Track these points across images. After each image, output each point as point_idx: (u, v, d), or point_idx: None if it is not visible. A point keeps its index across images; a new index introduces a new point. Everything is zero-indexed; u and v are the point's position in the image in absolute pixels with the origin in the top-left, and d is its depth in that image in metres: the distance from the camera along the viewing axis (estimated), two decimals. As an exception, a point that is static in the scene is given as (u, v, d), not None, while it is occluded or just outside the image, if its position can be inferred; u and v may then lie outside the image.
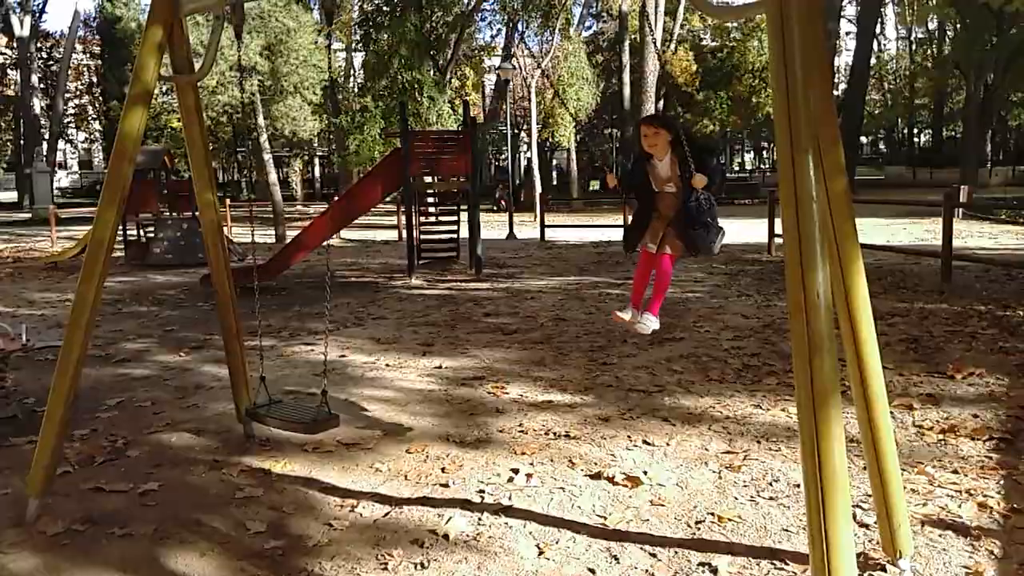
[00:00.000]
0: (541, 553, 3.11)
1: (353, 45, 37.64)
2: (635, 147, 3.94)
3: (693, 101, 41.82)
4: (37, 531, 3.37)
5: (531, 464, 4.04)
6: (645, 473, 3.87)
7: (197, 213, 11.01)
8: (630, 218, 4.25)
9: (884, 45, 54.74)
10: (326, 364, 4.45)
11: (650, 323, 3.87)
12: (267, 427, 4.18)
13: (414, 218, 12.41)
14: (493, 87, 42.90)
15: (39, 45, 39.48)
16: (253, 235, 5.12)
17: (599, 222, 20.97)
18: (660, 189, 3.93)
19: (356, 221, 12.52)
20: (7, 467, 4.15)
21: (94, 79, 47.57)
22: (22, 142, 38.17)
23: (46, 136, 35.67)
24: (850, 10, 43.73)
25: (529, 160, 32.79)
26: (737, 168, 63.66)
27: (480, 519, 3.42)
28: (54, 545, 3.25)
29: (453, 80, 32.37)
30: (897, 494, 2.79)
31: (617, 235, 17.47)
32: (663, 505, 3.52)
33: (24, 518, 3.45)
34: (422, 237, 13.04)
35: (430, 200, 13.69)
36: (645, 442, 4.34)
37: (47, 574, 3.02)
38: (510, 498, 3.62)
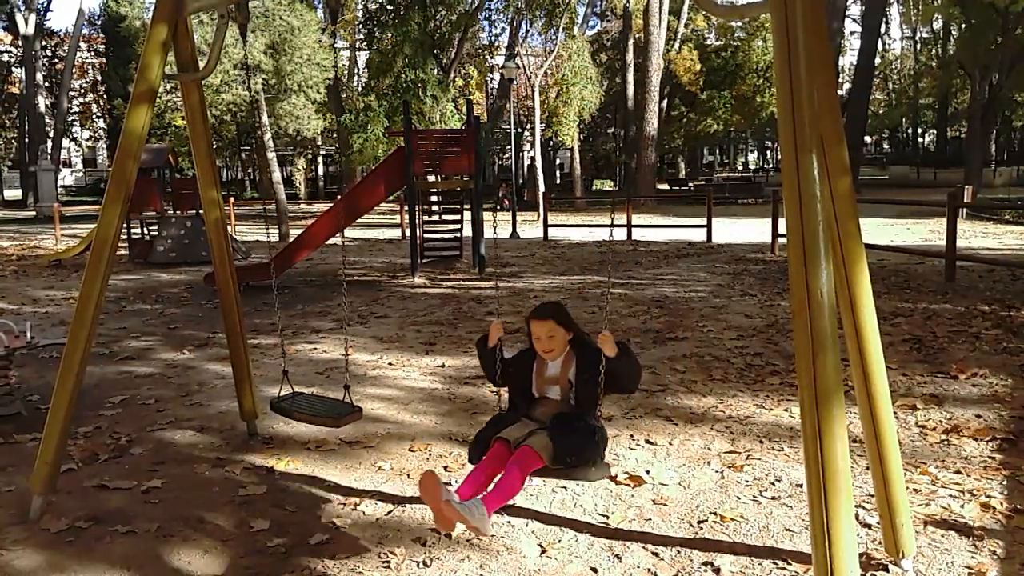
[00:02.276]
0: (544, 552, 3.12)
1: (357, 44, 37.70)
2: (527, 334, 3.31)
3: (697, 100, 41.80)
4: (41, 528, 3.38)
5: (534, 463, 4.03)
6: (648, 472, 3.86)
7: (201, 211, 10.98)
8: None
9: (889, 45, 54.67)
10: (347, 359, 4.46)
11: (480, 521, 2.72)
12: (290, 420, 4.16)
13: (417, 217, 12.42)
14: (497, 86, 42.91)
15: (44, 43, 39.56)
16: (268, 233, 5.11)
17: (602, 221, 20.96)
18: (540, 393, 3.22)
19: (359, 220, 12.53)
20: (11, 464, 4.16)
21: (98, 77, 47.64)
22: (26, 140, 38.21)
23: (50, 134, 35.72)
24: (855, 9, 43.68)
25: (532, 159, 32.77)
26: (741, 168, 63.59)
27: (483, 518, 3.41)
28: (58, 542, 3.26)
29: (457, 79, 32.38)
30: (900, 494, 2.79)
31: (620, 234, 17.48)
32: (665, 504, 3.52)
33: (28, 515, 3.46)
34: (425, 236, 13.05)
35: (433, 199, 13.68)
36: (648, 441, 4.34)
37: (51, 571, 3.03)
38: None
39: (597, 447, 3.10)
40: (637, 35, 34.67)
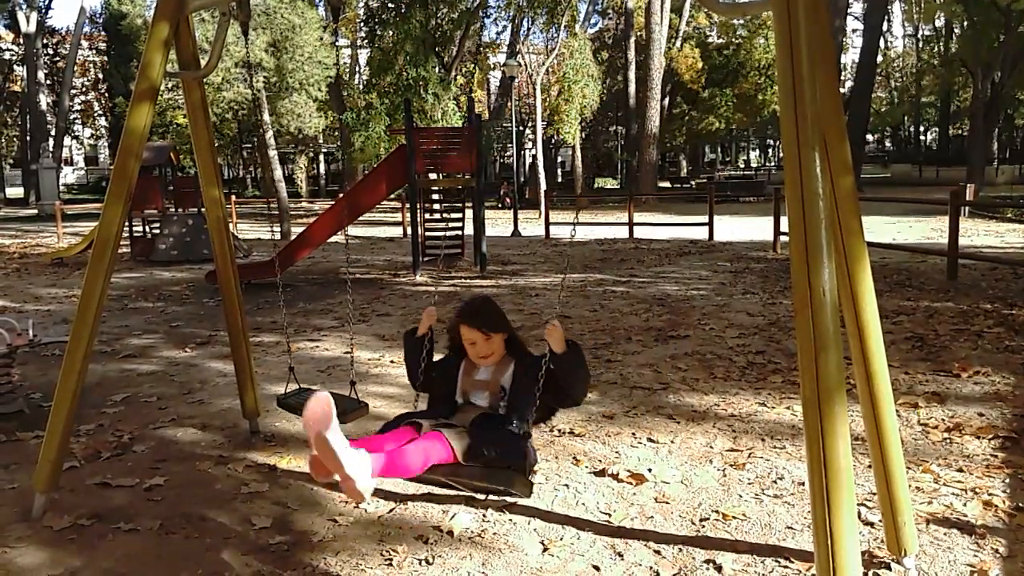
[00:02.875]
0: (545, 550, 3.12)
1: (358, 41, 37.66)
2: (452, 336, 3.10)
3: (699, 98, 41.76)
4: (43, 526, 3.39)
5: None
6: (650, 470, 3.86)
7: (203, 209, 11.01)
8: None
9: (891, 43, 54.59)
10: (352, 356, 4.45)
11: (358, 474, 2.31)
12: (297, 416, 4.15)
13: (419, 215, 12.41)
14: (498, 84, 42.87)
15: (45, 41, 39.60)
16: (272, 231, 5.12)
17: (604, 219, 20.95)
18: (465, 398, 2.94)
19: (361, 218, 12.52)
20: (14, 462, 4.17)
21: (100, 75, 47.66)
22: (28, 138, 38.27)
23: (52, 132, 35.74)
24: (857, 7, 43.62)
25: (534, 157, 32.76)
26: (742, 166, 63.54)
27: (484, 516, 3.42)
28: (60, 540, 3.27)
29: (458, 77, 32.34)
30: (902, 492, 2.79)
31: (623, 232, 17.47)
32: (667, 502, 3.52)
33: (31, 513, 3.47)
34: (427, 234, 13.05)
35: (435, 197, 13.69)
36: (650, 439, 4.33)
37: (54, 568, 3.04)
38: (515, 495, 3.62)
39: (523, 453, 2.74)
40: (639, 33, 34.65)
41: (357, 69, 41.03)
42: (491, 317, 2.95)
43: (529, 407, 2.83)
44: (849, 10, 37.92)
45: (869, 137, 55.00)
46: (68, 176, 51.72)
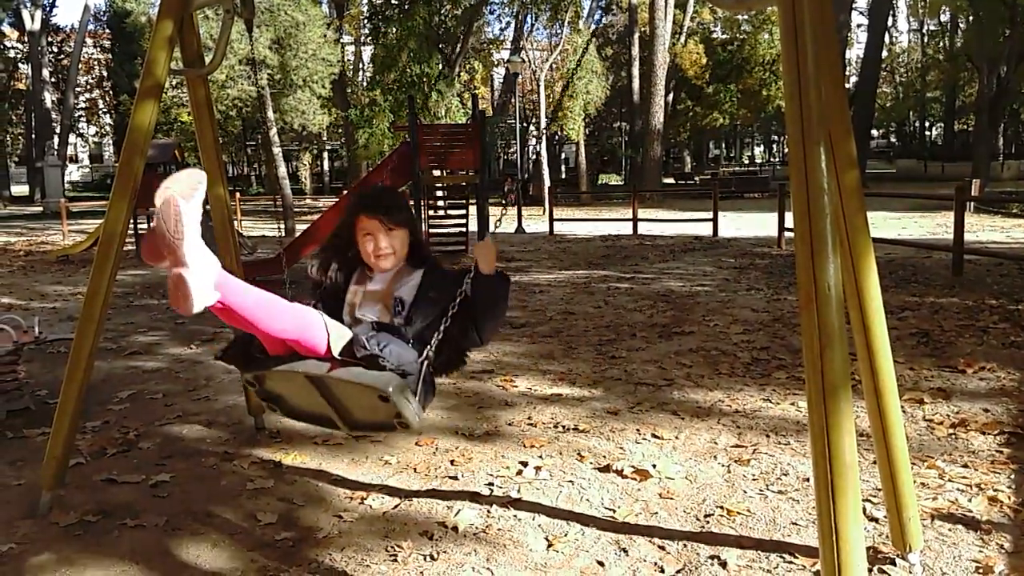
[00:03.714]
0: (550, 545, 3.12)
1: (362, 39, 37.62)
2: (342, 233, 2.57)
3: (703, 94, 41.69)
4: (50, 522, 3.40)
5: (540, 457, 4.04)
6: (654, 466, 3.86)
7: (207, 206, 11.06)
8: None
9: (896, 38, 54.38)
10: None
11: (200, 276, 1.90)
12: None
13: (423, 212, 12.43)
14: (502, 80, 42.84)
15: (50, 39, 39.65)
16: (279, 228, 5.13)
17: (608, 216, 20.92)
18: (352, 315, 2.48)
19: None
20: (20, 459, 4.18)
21: (104, 73, 47.72)
22: (33, 136, 38.33)
23: (57, 130, 35.81)
24: (862, 2, 43.45)
25: (538, 154, 32.74)
26: (747, 162, 63.41)
27: (489, 511, 3.43)
28: (67, 536, 3.28)
29: (462, 74, 32.31)
30: (907, 488, 2.78)
31: (627, 228, 17.45)
32: (672, 498, 3.52)
33: (37, 509, 3.48)
34: (430, 230, 13.06)
35: (439, 194, 13.69)
36: (654, 435, 4.33)
37: (60, 565, 3.05)
38: (519, 491, 3.63)
39: (417, 364, 2.27)
40: (643, 29, 34.58)
41: (361, 66, 41.01)
42: (395, 206, 2.49)
43: (432, 329, 2.35)
44: (854, 5, 37.78)
45: (874, 132, 54.81)
46: (73, 174, 51.81)
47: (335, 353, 2.19)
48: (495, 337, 2.62)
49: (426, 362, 2.31)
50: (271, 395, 2.56)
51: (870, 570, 2.79)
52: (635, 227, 17.30)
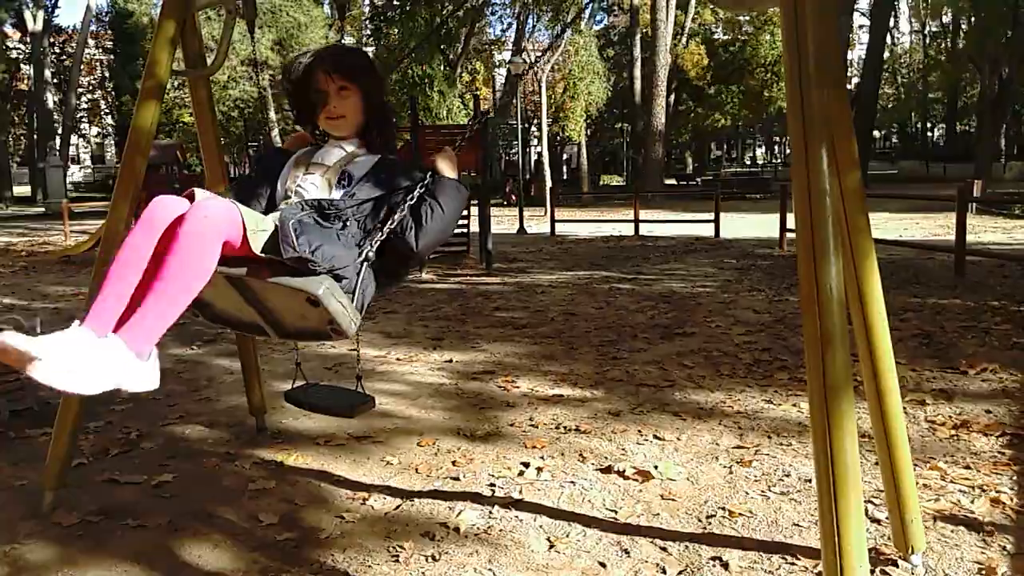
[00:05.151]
0: (552, 546, 3.12)
1: (364, 39, 37.68)
2: (292, 103, 2.34)
3: (704, 95, 41.68)
4: (52, 522, 3.40)
5: (541, 458, 4.04)
6: (656, 467, 3.86)
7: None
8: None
9: (898, 39, 54.36)
10: (358, 350, 4.45)
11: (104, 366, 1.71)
12: (304, 411, 4.15)
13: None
14: (503, 81, 42.86)
15: (52, 40, 39.70)
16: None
17: (610, 216, 20.92)
18: (290, 187, 2.23)
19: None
20: (22, 459, 4.19)
21: (106, 74, 47.77)
22: (35, 137, 38.37)
23: (59, 131, 35.87)
24: (864, 3, 43.44)
25: (539, 154, 32.75)
26: (749, 163, 63.40)
27: (491, 512, 3.43)
28: (69, 536, 3.28)
29: (463, 74, 32.35)
30: (909, 489, 2.78)
31: (628, 229, 17.45)
32: (674, 499, 3.52)
33: (39, 509, 3.49)
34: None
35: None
36: (656, 436, 4.33)
37: (62, 565, 3.05)
38: (520, 491, 3.63)
39: (353, 266, 2.02)
40: (644, 29, 34.58)
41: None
42: (351, 61, 2.23)
43: (378, 220, 2.13)
44: (856, 6, 37.77)
45: (876, 133, 54.79)
46: (75, 174, 51.87)
47: (256, 251, 1.91)
48: (429, 253, 2.38)
49: (365, 262, 2.08)
50: (196, 299, 2.07)
51: (872, 571, 2.78)
52: (637, 228, 17.30)
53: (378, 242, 2.12)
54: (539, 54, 32.30)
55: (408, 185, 2.17)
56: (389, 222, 2.12)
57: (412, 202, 2.13)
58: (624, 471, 3.82)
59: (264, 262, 1.94)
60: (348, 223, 2.12)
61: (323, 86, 2.18)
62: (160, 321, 1.73)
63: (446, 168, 2.20)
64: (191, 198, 1.88)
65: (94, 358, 1.68)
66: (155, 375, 1.78)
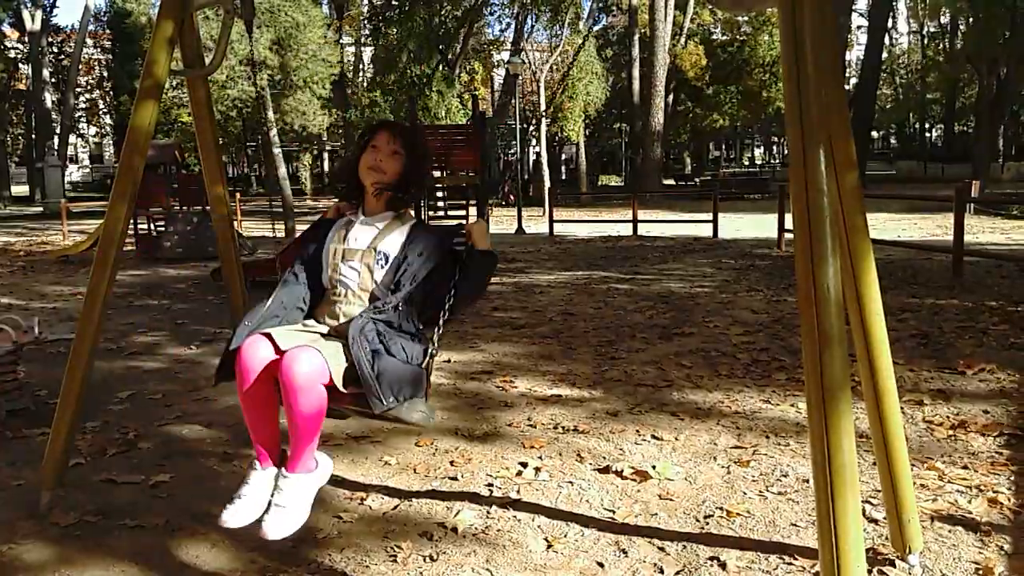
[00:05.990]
0: (550, 546, 3.12)
1: (362, 39, 37.66)
2: (358, 146, 2.53)
3: (703, 95, 41.70)
4: (50, 522, 3.40)
5: (539, 458, 4.04)
6: (654, 467, 3.86)
7: (207, 207, 11.03)
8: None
9: (896, 39, 54.41)
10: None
11: (293, 505, 2.28)
12: None
13: (423, 212, 12.43)
14: (502, 82, 42.85)
15: (50, 39, 39.63)
16: (274, 229, 5.13)
17: (608, 217, 20.93)
18: (333, 279, 2.42)
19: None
20: (20, 459, 4.18)
21: (105, 73, 47.75)
22: (33, 136, 38.33)
23: (57, 130, 35.81)
24: (862, 4, 43.48)
25: (538, 155, 32.75)
26: (747, 163, 63.44)
27: (489, 512, 3.43)
28: (66, 536, 3.28)
29: (462, 74, 32.35)
30: (907, 489, 2.78)
31: (627, 229, 17.45)
32: (671, 499, 3.52)
33: (37, 509, 3.48)
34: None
35: (439, 195, 13.70)
36: (654, 436, 4.34)
37: (60, 565, 3.05)
38: (519, 491, 3.63)
39: (421, 381, 2.29)
40: (643, 30, 34.59)
41: (361, 67, 41.05)
42: (412, 137, 2.46)
43: (428, 303, 2.36)
44: (854, 7, 37.80)
45: (874, 134, 54.85)
46: (73, 174, 51.84)
47: (342, 389, 2.22)
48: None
49: (430, 360, 2.34)
50: None
51: (870, 571, 2.79)
52: (635, 228, 17.30)
53: (437, 340, 2.38)
54: (541, 54, 32.36)
55: (449, 258, 2.39)
56: (442, 314, 2.38)
57: (455, 278, 2.36)
58: (622, 471, 3.82)
59: (347, 393, 2.25)
60: (405, 325, 2.33)
61: (381, 142, 2.40)
62: (309, 449, 2.27)
63: (480, 240, 2.39)
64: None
65: (289, 494, 2.30)
66: (327, 461, 2.46)
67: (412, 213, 2.58)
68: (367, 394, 2.18)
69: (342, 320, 2.33)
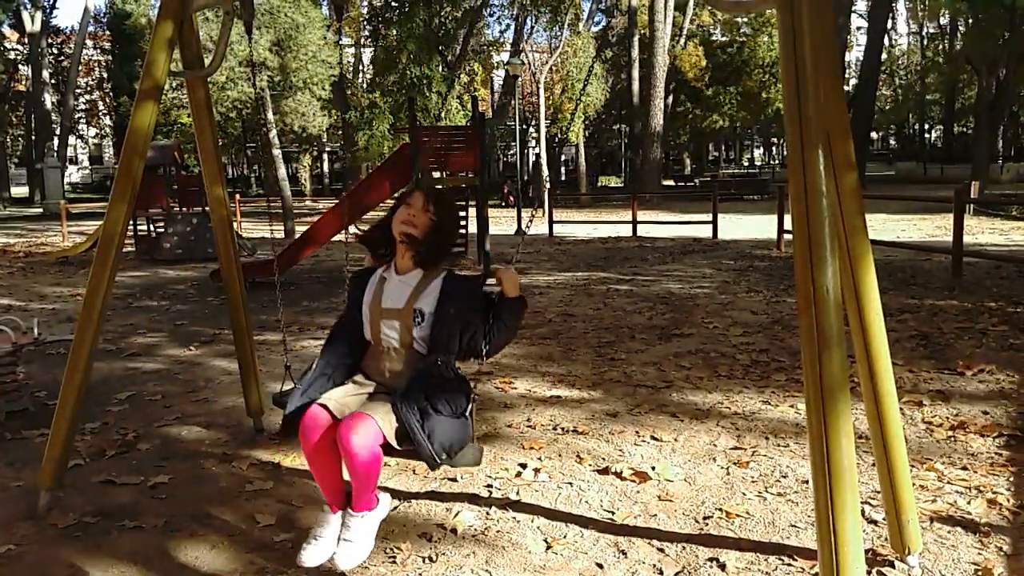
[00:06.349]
0: (549, 547, 3.12)
1: (362, 40, 37.67)
2: (396, 205, 2.65)
3: (702, 96, 41.71)
4: (49, 523, 3.40)
5: (539, 459, 4.04)
6: (653, 468, 3.86)
7: (207, 208, 11.02)
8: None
9: (895, 40, 54.43)
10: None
11: (360, 538, 2.48)
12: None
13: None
14: (502, 83, 42.86)
15: (50, 41, 39.68)
16: (271, 230, 5.13)
17: (607, 218, 20.94)
18: (374, 335, 2.57)
19: (365, 216, 12.53)
20: (19, 460, 4.18)
21: (104, 75, 47.75)
22: (33, 138, 38.35)
23: (57, 131, 35.83)
24: (861, 5, 43.52)
25: (537, 156, 32.75)
26: (746, 164, 63.45)
27: (488, 513, 3.43)
28: (66, 537, 3.28)
29: (462, 75, 32.34)
30: (906, 490, 2.78)
31: (626, 230, 17.45)
32: (671, 500, 3.52)
33: (36, 511, 3.48)
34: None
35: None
36: (653, 437, 4.33)
37: (58, 566, 3.05)
38: (518, 493, 3.63)
39: (466, 433, 2.45)
40: (642, 31, 34.59)
41: (361, 68, 41.04)
42: (442, 197, 2.62)
43: (455, 343, 2.53)
44: (854, 7, 37.83)
45: (873, 135, 54.89)
46: (73, 175, 51.83)
47: (395, 445, 2.40)
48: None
49: (473, 406, 2.54)
50: None
51: (869, 572, 2.79)
52: (634, 229, 17.30)
53: (473, 403, 2.55)
54: (541, 55, 32.34)
55: (482, 305, 2.55)
56: (480, 362, 2.56)
57: (490, 324, 2.52)
58: (621, 472, 3.82)
59: (401, 449, 2.45)
60: (447, 376, 2.49)
61: (416, 201, 2.56)
62: (370, 494, 2.49)
63: (511, 288, 2.56)
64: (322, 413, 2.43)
65: (357, 530, 2.52)
66: (386, 497, 2.66)
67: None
68: (420, 454, 2.38)
69: (388, 376, 2.50)
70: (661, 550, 3.07)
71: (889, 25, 43.40)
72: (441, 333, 2.49)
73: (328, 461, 2.45)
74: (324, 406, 2.38)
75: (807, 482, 3.60)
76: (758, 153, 68.51)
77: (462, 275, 2.60)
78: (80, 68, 40.50)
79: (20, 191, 43.67)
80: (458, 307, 2.48)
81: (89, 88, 48.61)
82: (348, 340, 2.61)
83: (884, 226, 16.45)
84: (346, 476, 2.53)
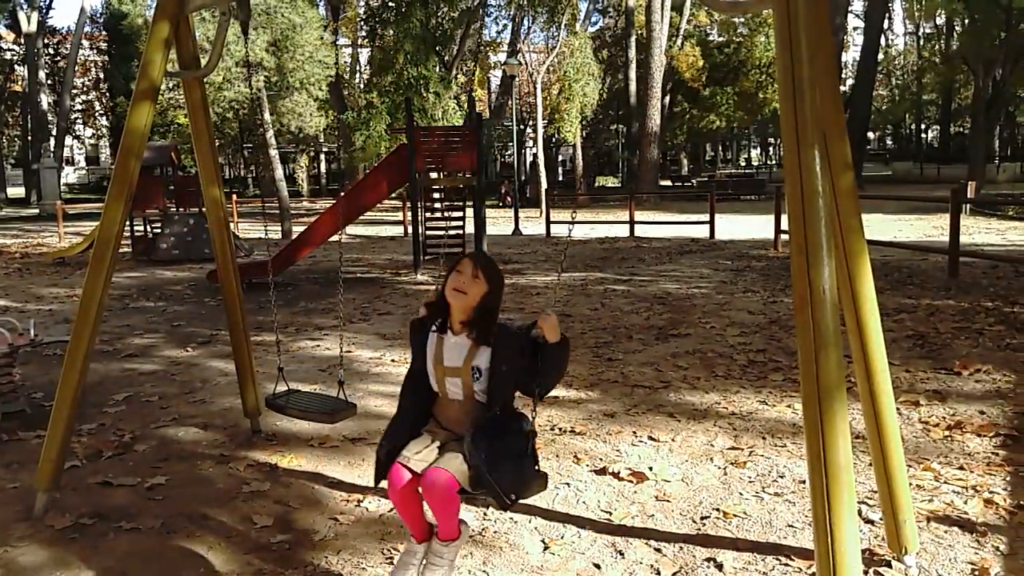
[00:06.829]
0: (546, 548, 3.12)
1: (359, 41, 37.64)
2: (449, 274, 2.90)
3: (699, 96, 41.73)
4: (45, 525, 3.39)
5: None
6: (650, 469, 3.87)
7: (203, 209, 11.04)
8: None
9: (892, 40, 54.54)
10: (342, 355, 4.46)
11: (444, 563, 2.72)
12: (286, 416, 4.16)
13: (420, 214, 12.41)
14: (499, 83, 42.87)
15: (46, 41, 39.58)
16: (266, 230, 5.13)
17: (605, 218, 20.95)
18: (440, 387, 2.81)
19: (362, 217, 12.53)
20: (16, 461, 4.17)
21: (101, 75, 47.65)
22: (29, 138, 38.26)
23: (53, 132, 35.74)
24: (858, 5, 43.60)
25: (535, 156, 32.76)
26: (743, 164, 63.51)
27: (485, 514, 3.43)
28: (62, 539, 3.27)
29: (459, 76, 32.34)
30: (903, 490, 2.79)
31: (624, 231, 17.45)
32: (668, 501, 3.52)
33: (33, 512, 3.48)
34: (428, 233, 13.04)
35: (435, 196, 13.68)
36: (650, 438, 4.34)
37: (55, 568, 3.04)
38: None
39: (534, 471, 2.69)
40: (639, 31, 34.61)
41: (358, 68, 41.01)
42: (491, 266, 2.89)
43: (510, 393, 2.78)
44: (850, 8, 37.89)
45: (870, 135, 54.95)
46: (69, 176, 51.73)
47: (469, 488, 2.64)
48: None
49: (534, 440, 2.71)
50: None
51: (866, 572, 2.79)
52: (632, 229, 17.31)
53: (533, 418, 2.74)
54: (538, 55, 32.34)
55: (530, 352, 2.76)
56: (535, 401, 2.75)
57: (540, 368, 2.74)
58: (619, 472, 3.82)
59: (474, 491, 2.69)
60: (507, 419, 2.72)
61: (466, 268, 2.80)
62: (453, 525, 2.72)
63: (552, 335, 2.75)
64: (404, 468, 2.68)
65: (440, 556, 2.76)
66: (466, 526, 2.84)
67: None
68: (493, 496, 2.64)
69: (456, 424, 2.76)
70: (658, 550, 3.07)
71: (885, 25, 43.51)
72: (497, 385, 2.74)
73: (412, 503, 2.74)
74: (406, 465, 2.68)
75: (804, 482, 3.60)
76: (755, 153, 68.57)
77: (510, 331, 2.83)
78: (76, 68, 40.41)
79: (16, 192, 43.59)
80: (511, 361, 2.73)
81: (85, 88, 48.50)
82: (419, 389, 2.88)
83: (880, 226, 16.47)
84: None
